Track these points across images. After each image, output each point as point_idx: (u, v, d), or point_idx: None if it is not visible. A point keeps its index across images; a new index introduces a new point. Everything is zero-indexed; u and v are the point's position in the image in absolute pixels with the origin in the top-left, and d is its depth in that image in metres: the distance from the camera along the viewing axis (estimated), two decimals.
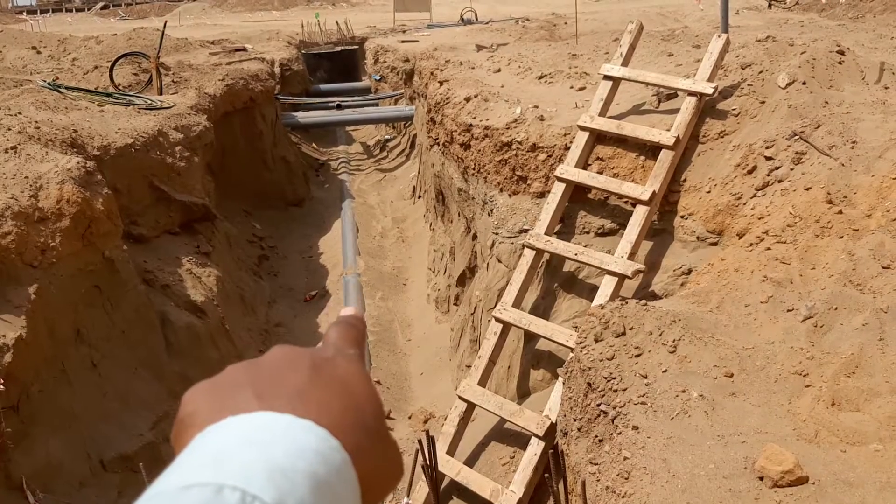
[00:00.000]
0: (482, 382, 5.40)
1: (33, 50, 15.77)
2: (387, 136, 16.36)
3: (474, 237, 7.44)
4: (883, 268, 3.57)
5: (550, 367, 5.47)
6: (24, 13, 50.25)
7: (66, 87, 9.12)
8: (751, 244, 4.24)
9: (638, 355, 3.50)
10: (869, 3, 14.88)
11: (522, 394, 5.62)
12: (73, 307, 5.63)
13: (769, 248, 4.03)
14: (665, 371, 3.37)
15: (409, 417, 6.82)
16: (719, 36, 5.58)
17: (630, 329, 3.62)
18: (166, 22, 12.96)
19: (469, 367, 5.98)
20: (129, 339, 6.20)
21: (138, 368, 6.21)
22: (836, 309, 3.44)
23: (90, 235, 5.83)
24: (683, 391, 3.25)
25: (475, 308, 6.78)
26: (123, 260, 6.28)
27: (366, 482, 0.50)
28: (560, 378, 4.34)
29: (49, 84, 8.98)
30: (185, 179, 7.94)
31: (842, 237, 3.83)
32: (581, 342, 3.75)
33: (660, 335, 3.56)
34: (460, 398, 5.37)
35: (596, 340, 3.67)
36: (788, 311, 3.58)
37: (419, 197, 11.86)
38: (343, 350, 0.60)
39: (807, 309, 3.50)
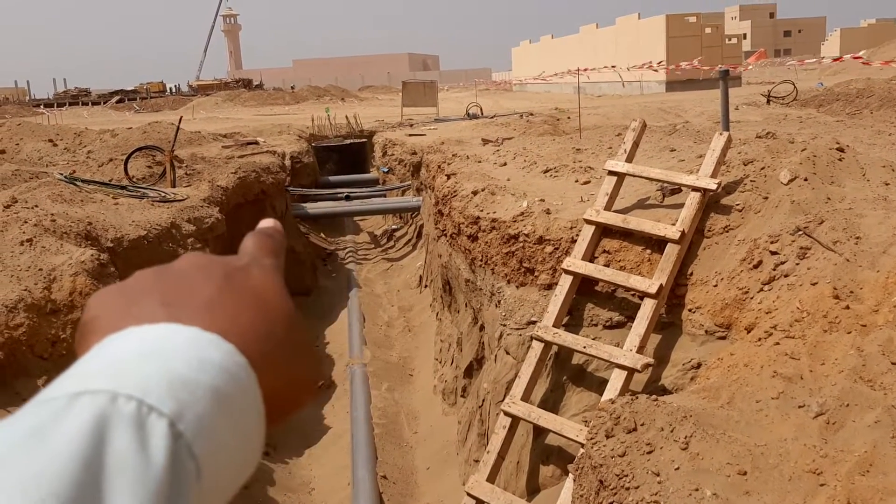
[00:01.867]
0: (491, 478, 5.32)
1: (49, 142, 16.22)
2: (394, 226, 16.58)
3: (481, 328, 7.46)
4: (892, 364, 3.57)
5: (561, 463, 5.40)
6: (42, 106, 51.78)
7: (83, 181, 9.33)
8: (759, 339, 4.25)
9: (650, 452, 3.47)
10: (866, 99, 15.27)
11: (532, 490, 5.52)
12: None
13: (778, 343, 4.04)
14: (677, 468, 3.34)
15: None
16: (721, 134, 5.73)
17: (641, 425, 3.60)
18: (181, 117, 13.34)
19: (477, 461, 5.90)
20: None
21: None
22: (847, 406, 3.42)
23: None
24: (697, 489, 3.21)
25: (483, 400, 6.73)
26: None
27: (273, 397, 0.49)
28: (571, 475, 4.29)
29: (66, 177, 9.20)
30: None
31: (850, 333, 3.84)
32: (592, 438, 3.72)
33: (671, 431, 3.53)
34: (469, 495, 5.28)
35: (607, 436, 3.64)
36: (800, 407, 3.57)
37: (426, 286, 11.92)
38: (259, 259, 0.57)
39: (818, 405, 3.48)
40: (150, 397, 0.40)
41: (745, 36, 67.53)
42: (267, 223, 0.65)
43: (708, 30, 40.18)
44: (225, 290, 0.51)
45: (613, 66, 25.80)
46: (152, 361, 0.43)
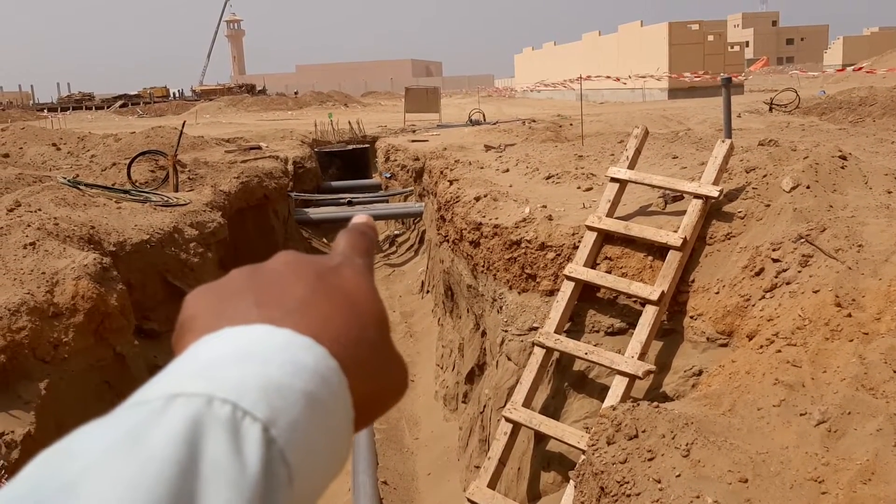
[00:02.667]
0: (492, 485, 5.32)
1: (53, 146, 16.26)
2: (396, 232, 16.60)
3: (483, 334, 7.46)
4: (895, 372, 3.57)
5: (562, 470, 5.39)
6: (45, 110, 51.95)
7: (86, 185, 9.35)
8: (761, 346, 4.25)
9: (651, 459, 3.47)
10: (868, 107, 15.28)
11: (533, 497, 5.52)
12: (83, 403, 5.62)
13: (780, 351, 4.04)
14: (679, 476, 3.34)
15: None
16: (723, 141, 5.74)
17: (642, 432, 3.60)
18: (185, 122, 13.37)
19: (478, 467, 5.89)
20: None
21: None
22: (849, 414, 3.42)
23: (103, 331, 5.88)
24: (698, 497, 3.20)
25: (484, 406, 6.72)
26: (134, 355, 6.30)
27: (364, 399, 0.49)
28: (572, 481, 4.28)
29: (69, 181, 9.22)
30: (199, 275, 8.04)
31: (852, 340, 3.84)
32: (593, 444, 3.72)
33: (672, 438, 3.53)
34: (470, 501, 5.28)
35: (608, 443, 3.64)
36: (801, 415, 3.56)
37: (427, 292, 11.93)
38: (351, 259, 0.57)
39: (820, 413, 3.48)
40: (245, 402, 0.40)
41: (747, 44, 67.60)
42: (360, 219, 0.64)
43: (710, 37, 40.20)
44: (317, 290, 0.51)
45: (617, 79, 25.73)
46: (247, 365, 0.43)
